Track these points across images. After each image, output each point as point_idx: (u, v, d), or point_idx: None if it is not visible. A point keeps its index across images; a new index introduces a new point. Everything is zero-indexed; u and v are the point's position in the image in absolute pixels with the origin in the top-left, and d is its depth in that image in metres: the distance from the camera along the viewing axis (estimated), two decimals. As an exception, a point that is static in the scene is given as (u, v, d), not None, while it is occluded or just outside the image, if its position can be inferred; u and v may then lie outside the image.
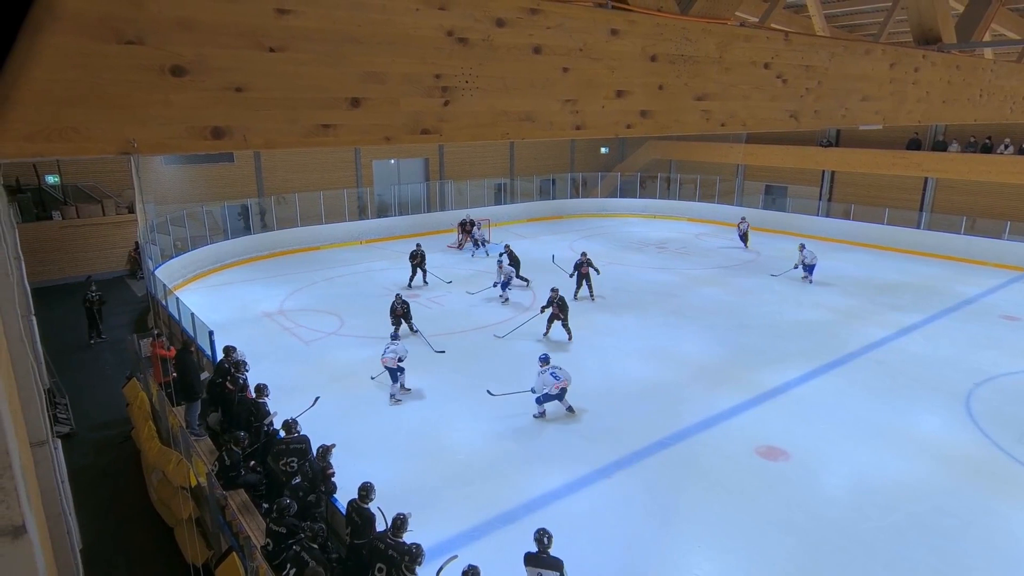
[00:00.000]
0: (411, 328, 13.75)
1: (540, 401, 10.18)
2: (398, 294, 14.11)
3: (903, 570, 6.91)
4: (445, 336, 13.85)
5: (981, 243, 20.93)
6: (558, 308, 13.47)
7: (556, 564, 5.59)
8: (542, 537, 5.68)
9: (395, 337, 11.72)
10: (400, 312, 13.54)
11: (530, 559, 5.68)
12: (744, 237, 22.89)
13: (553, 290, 13.58)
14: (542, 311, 13.84)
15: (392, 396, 10.78)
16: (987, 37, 6.18)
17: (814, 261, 18.16)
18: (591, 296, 16.55)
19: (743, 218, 23.40)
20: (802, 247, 18.45)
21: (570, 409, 10.30)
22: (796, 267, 18.42)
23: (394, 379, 10.79)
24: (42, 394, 5.11)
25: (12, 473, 1.58)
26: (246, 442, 7.26)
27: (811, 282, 18.15)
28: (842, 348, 13.18)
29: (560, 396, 10.17)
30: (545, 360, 10.19)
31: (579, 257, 16.64)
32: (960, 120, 5.76)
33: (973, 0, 5.90)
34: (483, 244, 21.83)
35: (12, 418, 2.04)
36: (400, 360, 10.69)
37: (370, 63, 2.12)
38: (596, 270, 16.51)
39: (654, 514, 7.76)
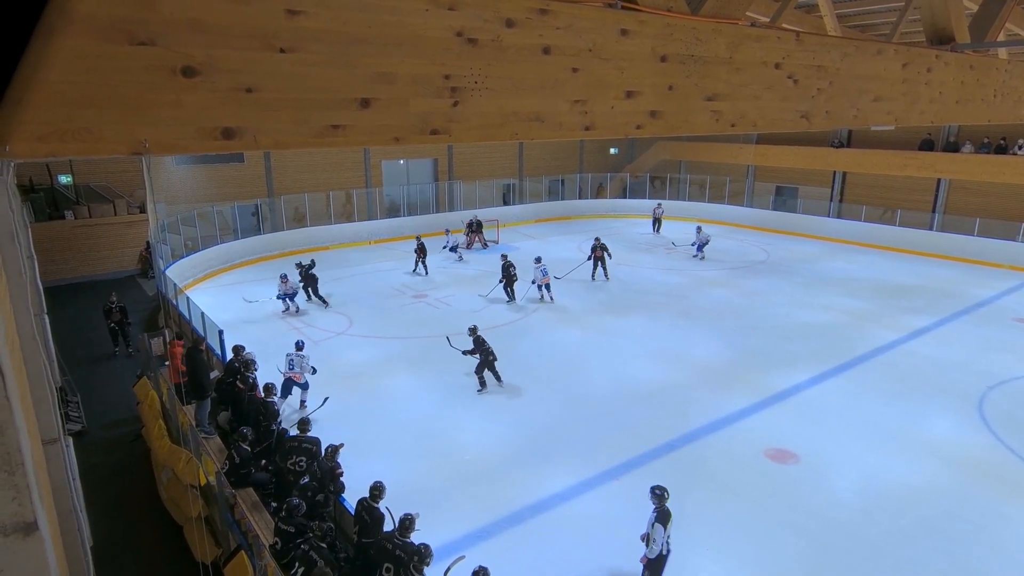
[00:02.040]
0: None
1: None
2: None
3: (912, 574, 6.84)
4: (453, 336, 13.84)
5: (995, 245, 20.70)
6: (506, 275, 16.12)
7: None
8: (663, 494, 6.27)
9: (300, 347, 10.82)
10: None
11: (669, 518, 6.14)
12: (656, 223, 25.31)
13: (503, 256, 16.63)
14: (500, 281, 16.35)
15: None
16: (1001, 37, 6.10)
17: (707, 240, 21.02)
18: (606, 277, 18.25)
19: (659, 204, 26.13)
20: (699, 229, 21.37)
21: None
22: (693, 244, 21.13)
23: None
24: (54, 392, 5.16)
25: (24, 470, 1.59)
26: (251, 437, 7.29)
27: (702, 259, 20.75)
28: (852, 351, 13.07)
29: (303, 385, 10.42)
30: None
31: (593, 242, 18.47)
32: (974, 121, 5.70)
33: (987, -1, 5.83)
34: (455, 249, 21.23)
35: (24, 416, 2.06)
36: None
37: (379, 64, 2.12)
38: (609, 254, 18.22)
39: (662, 516, 7.72)
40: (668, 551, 6.21)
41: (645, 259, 21.27)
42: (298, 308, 15.57)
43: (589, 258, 18.22)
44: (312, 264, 16.48)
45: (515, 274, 16.08)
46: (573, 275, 18.71)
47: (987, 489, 8.34)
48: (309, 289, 16.15)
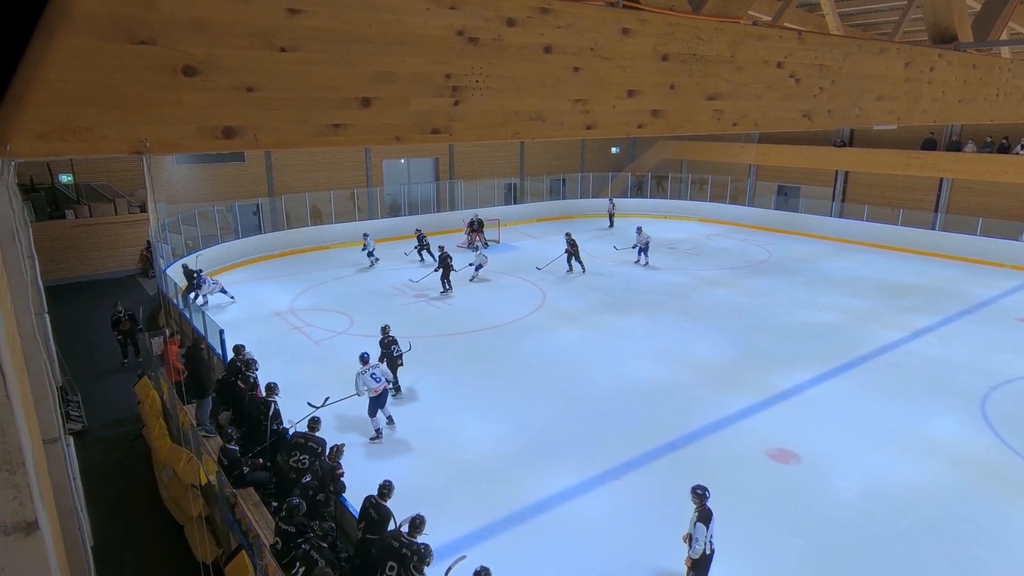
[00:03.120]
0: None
1: (372, 412, 9.25)
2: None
3: (914, 575, 6.82)
4: (454, 336, 13.88)
5: (997, 245, 20.65)
6: (443, 265, 16.66)
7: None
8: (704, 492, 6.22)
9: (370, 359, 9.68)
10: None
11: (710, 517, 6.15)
12: (611, 218, 25.95)
13: (440, 247, 17.23)
14: (436, 270, 16.92)
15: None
16: (1004, 36, 6.08)
17: (647, 242, 19.83)
18: (583, 270, 18.96)
19: (611, 199, 26.73)
20: (639, 230, 20.19)
21: (390, 420, 9.57)
22: (634, 247, 20.02)
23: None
24: (55, 392, 5.16)
25: (25, 470, 1.59)
26: (237, 436, 7.27)
27: (646, 264, 19.79)
28: (855, 350, 13.05)
29: (382, 402, 9.30)
30: (364, 359, 9.31)
31: (565, 237, 19.21)
32: (976, 120, 5.68)
33: (990, -2, 5.81)
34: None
35: (25, 415, 2.06)
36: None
37: (380, 63, 2.12)
38: (577, 247, 18.91)
39: (663, 516, 7.71)
40: (712, 550, 6.20)
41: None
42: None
43: (564, 252, 19.06)
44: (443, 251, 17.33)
45: (452, 265, 16.84)
46: (573, 275, 18.77)
47: (990, 489, 8.32)
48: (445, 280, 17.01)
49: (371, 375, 9.20)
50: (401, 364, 10.77)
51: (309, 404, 8.42)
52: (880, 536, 7.40)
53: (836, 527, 7.54)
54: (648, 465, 8.85)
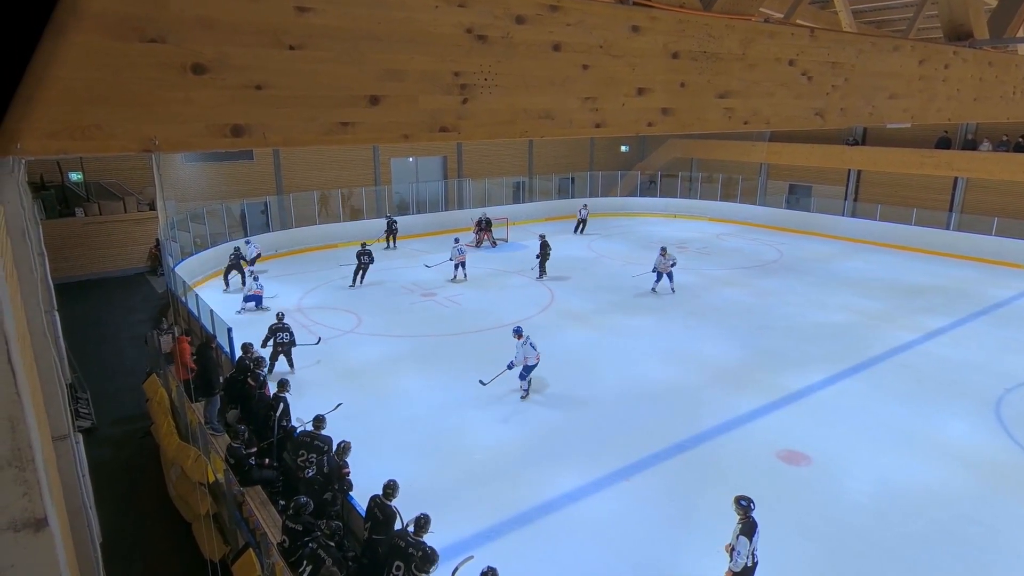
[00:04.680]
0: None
1: (523, 376, 10.61)
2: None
3: (928, 579, 6.75)
4: (461, 335, 13.88)
5: (1013, 245, 20.38)
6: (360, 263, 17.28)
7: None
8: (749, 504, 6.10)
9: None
10: None
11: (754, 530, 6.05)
12: (582, 223, 24.95)
13: (363, 243, 17.85)
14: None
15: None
16: (1021, 33, 5.99)
17: (671, 266, 16.49)
18: (542, 275, 18.44)
19: (584, 205, 25.73)
20: (664, 251, 16.68)
21: (524, 392, 10.76)
22: (654, 270, 16.80)
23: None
24: (64, 389, 5.20)
25: (35, 467, 1.60)
26: (245, 436, 7.30)
27: (672, 291, 16.60)
28: (867, 351, 12.92)
29: (532, 369, 10.62)
30: (519, 332, 10.80)
31: (539, 239, 18.98)
32: (992, 118, 5.60)
33: (1007, -6, 5.72)
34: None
35: (35, 412, 2.07)
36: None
37: (389, 61, 2.11)
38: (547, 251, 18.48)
39: (672, 517, 7.68)
40: (755, 562, 6.03)
41: (656, 258, 21.13)
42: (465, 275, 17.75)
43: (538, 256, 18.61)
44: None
45: (367, 262, 17.39)
46: (574, 276, 18.72)
47: (1003, 492, 8.21)
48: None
49: (531, 344, 10.60)
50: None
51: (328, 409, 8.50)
52: (891, 539, 7.32)
53: (847, 530, 7.46)
54: (656, 466, 8.81)
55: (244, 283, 16.64)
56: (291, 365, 11.72)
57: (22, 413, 1.57)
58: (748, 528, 5.97)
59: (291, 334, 11.67)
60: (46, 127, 1.62)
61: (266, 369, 8.96)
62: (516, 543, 7.25)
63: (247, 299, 15.40)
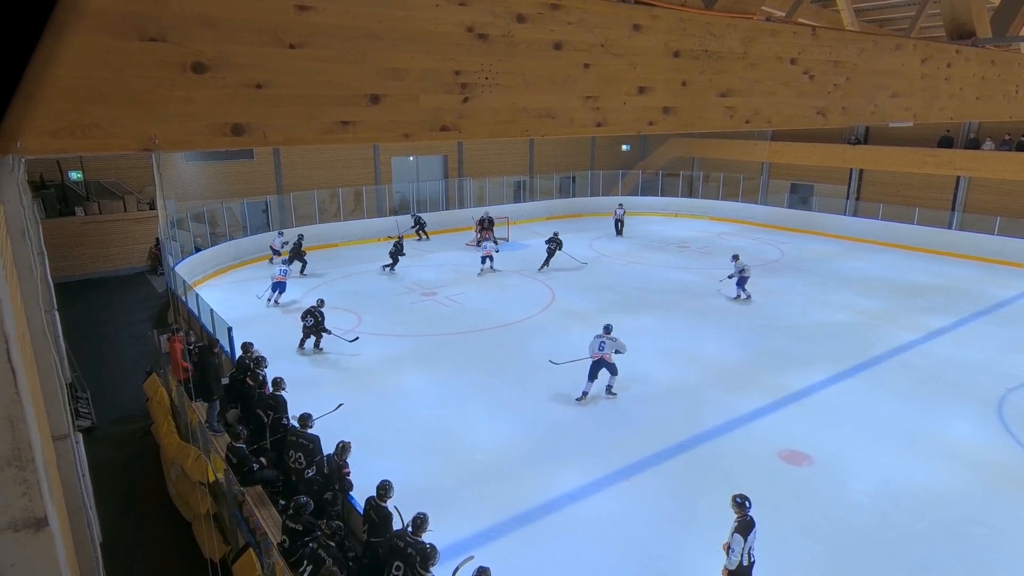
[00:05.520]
0: None
1: (613, 372, 10.69)
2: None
3: (930, 580, 6.73)
4: (462, 335, 13.88)
5: (1016, 244, 20.34)
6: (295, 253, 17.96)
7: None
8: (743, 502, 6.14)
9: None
10: None
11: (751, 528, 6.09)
12: (619, 223, 24.59)
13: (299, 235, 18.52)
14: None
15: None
16: (1024, 31, 5.97)
17: (742, 271, 16.13)
18: (543, 266, 19.15)
19: (620, 204, 25.22)
20: (736, 257, 16.54)
21: (610, 390, 10.80)
22: (731, 277, 16.42)
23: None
24: (64, 388, 5.20)
25: (35, 466, 1.59)
26: (245, 435, 7.31)
27: (747, 298, 16.21)
28: (869, 351, 12.90)
29: (608, 368, 10.67)
30: (607, 329, 10.79)
31: (551, 235, 19.57)
32: (995, 117, 5.58)
33: (1010, -7, 5.71)
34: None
35: (35, 412, 2.07)
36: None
37: (390, 59, 2.11)
38: (555, 247, 19.21)
39: (673, 517, 7.67)
40: (752, 561, 6.04)
41: (657, 257, 21.15)
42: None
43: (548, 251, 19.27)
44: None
45: (305, 257, 18.23)
46: (575, 276, 18.72)
47: (1006, 493, 8.20)
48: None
49: (599, 343, 10.72)
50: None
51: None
52: (894, 540, 7.31)
53: (849, 530, 7.45)
54: (658, 466, 8.80)
55: (303, 271, 18.24)
56: (317, 346, 12.79)
57: (22, 412, 1.57)
58: (743, 526, 6.00)
59: (315, 319, 12.57)
60: (46, 126, 1.62)
61: (267, 368, 8.95)
62: (517, 543, 7.24)
63: (273, 287, 15.87)
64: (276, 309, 15.68)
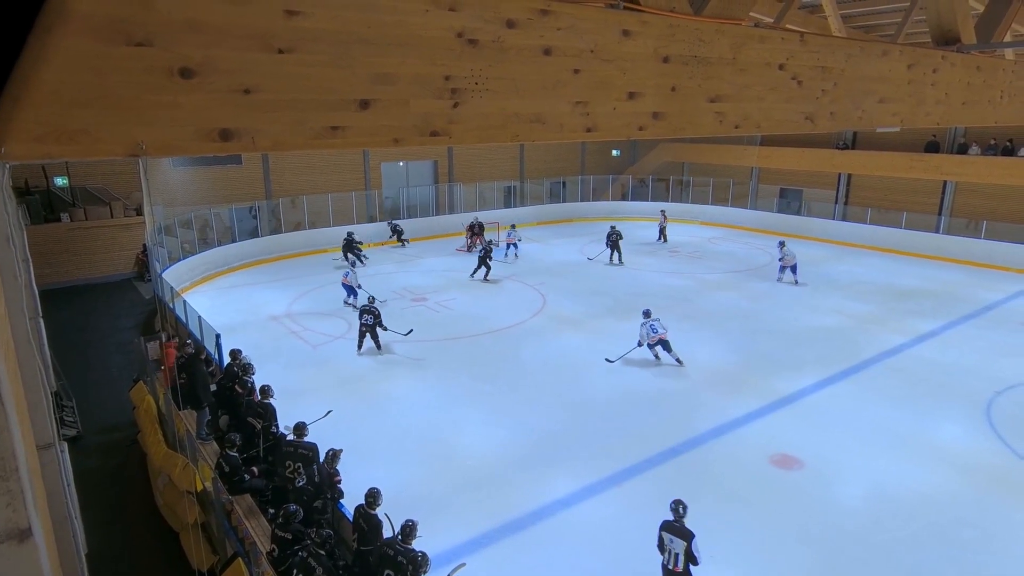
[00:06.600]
0: None
1: (650, 346, 11.95)
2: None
3: (921, 582, 6.76)
4: (453, 340, 13.84)
5: (1002, 248, 20.57)
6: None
7: (686, 535, 6.04)
8: (677, 507, 6.18)
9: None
10: None
11: (665, 526, 6.21)
12: (662, 231, 24.60)
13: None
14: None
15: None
16: (1008, 37, 6.07)
17: (792, 259, 18.12)
18: (621, 262, 20.55)
19: (662, 211, 25.47)
20: (782, 244, 18.70)
21: (679, 360, 12.05)
22: (783, 268, 18.35)
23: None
24: (49, 397, 5.12)
25: (19, 476, 1.57)
26: (239, 443, 7.23)
27: (794, 283, 18.12)
28: (859, 355, 12.99)
29: (664, 346, 11.97)
30: (647, 314, 12.07)
31: (609, 229, 20.92)
32: (980, 122, 5.66)
33: None
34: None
35: (19, 421, 2.03)
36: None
37: (379, 64, 2.10)
38: (617, 237, 20.54)
39: (666, 522, 7.66)
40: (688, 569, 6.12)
41: (648, 262, 21.22)
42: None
43: (607, 245, 20.58)
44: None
45: (355, 248, 19.15)
46: (566, 282, 18.74)
47: (996, 495, 8.26)
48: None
49: (650, 327, 11.95)
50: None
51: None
52: (886, 543, 7.34)
53: (841, 534, 7.47)
54: (650, 471, 8.80)
55: (359, 262, 19.76)
56: (377, 345, 12.79)
57: (6, 421, 1.54)
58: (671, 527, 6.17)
59: (374, 317, 12.59)
60: (32, 131, 1.60)
61: (254, 376, 8.85)
62: (509, 549, 7.21)
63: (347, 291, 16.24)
64: (265, 317, 15.57)
